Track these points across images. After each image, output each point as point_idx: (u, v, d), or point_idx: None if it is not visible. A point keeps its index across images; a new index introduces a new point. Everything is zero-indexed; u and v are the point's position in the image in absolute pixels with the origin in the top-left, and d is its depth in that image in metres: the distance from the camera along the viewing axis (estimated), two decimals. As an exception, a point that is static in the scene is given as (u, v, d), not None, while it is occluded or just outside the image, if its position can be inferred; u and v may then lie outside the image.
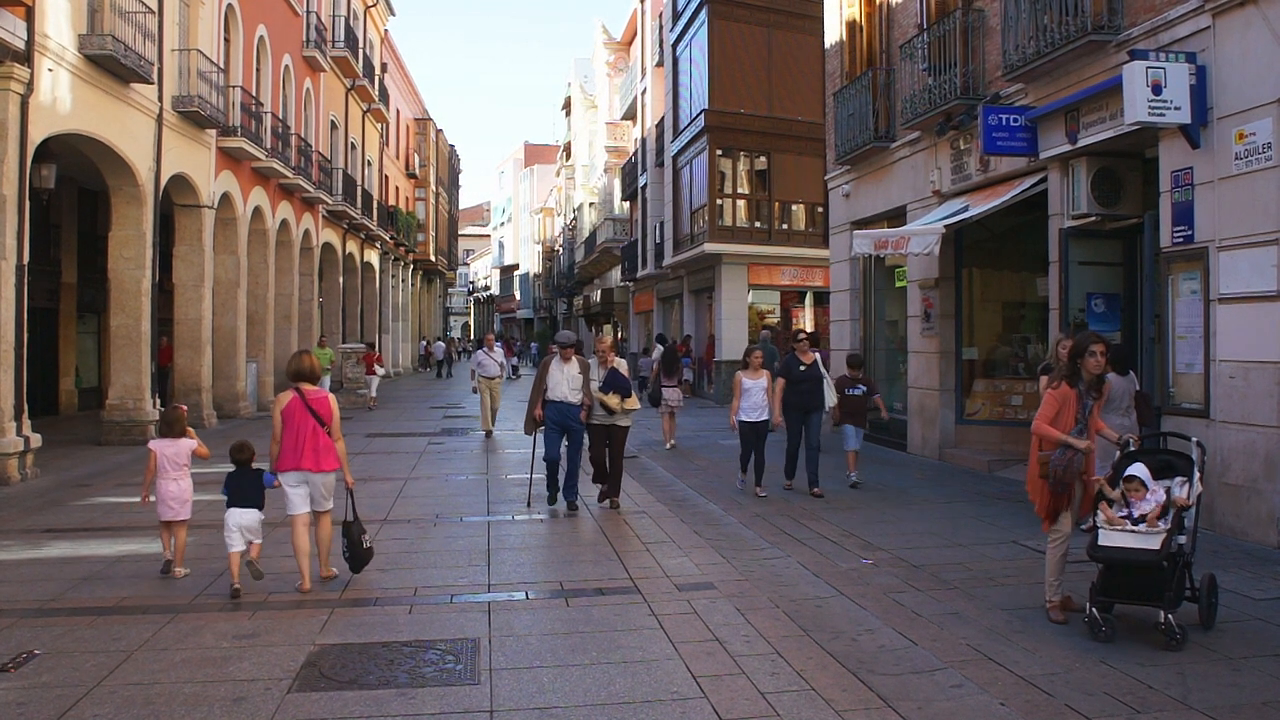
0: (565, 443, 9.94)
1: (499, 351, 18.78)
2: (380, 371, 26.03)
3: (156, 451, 7.49)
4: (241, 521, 6.86)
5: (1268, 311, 8.09)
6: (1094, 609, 5.79)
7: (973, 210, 12.31)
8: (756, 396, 10.97)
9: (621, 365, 10.45)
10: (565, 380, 9.84)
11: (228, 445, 7.24)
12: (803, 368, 11.22)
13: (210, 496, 8.56)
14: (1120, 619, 5.97)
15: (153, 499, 7.45)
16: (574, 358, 9.96)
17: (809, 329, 23.02)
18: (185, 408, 8.05)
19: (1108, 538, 5.80)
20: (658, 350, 20.10)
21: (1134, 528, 5.80)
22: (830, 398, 11.41)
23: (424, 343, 52.79)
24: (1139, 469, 6.06)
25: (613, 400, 9.93)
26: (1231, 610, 6.26)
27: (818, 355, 11.60)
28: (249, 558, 6.88)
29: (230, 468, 7.11)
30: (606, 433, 10.16)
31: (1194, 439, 6.31)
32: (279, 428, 6.96)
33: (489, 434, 17.58)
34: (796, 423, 11.16)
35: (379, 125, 38.49)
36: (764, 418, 10.94)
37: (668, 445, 15.77)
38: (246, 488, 7.01)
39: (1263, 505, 8.11)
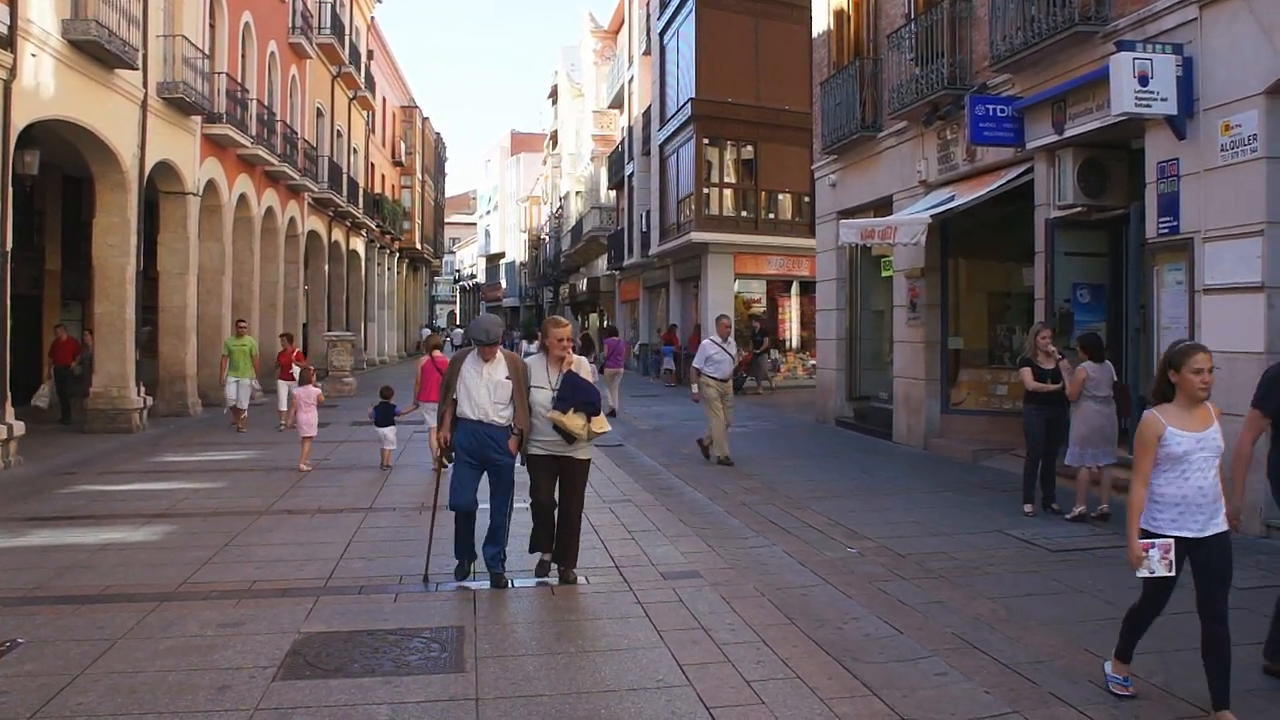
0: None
1: (733, 343, 13.14)
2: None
3: (297, 394, 12.53)
4: (386, 435, 11.93)
5: (1252, 302, 8.14)
6: None
7: (959, 200, 12.35)
8: (1209, 473, 4.76)
9: (584, 366, 6.83)
10: (485, 388, 6.54)
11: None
12: None
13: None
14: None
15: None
16: (500, 357, 6.67)
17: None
18: (313, 366, 13.17)
19: None
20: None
21: None
22: None
23: (424, 330, 53.33)
24: None
25: (574, 422, 6.44)
26: (1213, 599, 6.29)
27: None
28: (385, 460, 12.04)
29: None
30: (557, 467, 6.72)
31: None
32: (419, 377, 11.55)
33: (725, 460, 12.37)
34: None
35: (365, 113, 38.30)
36: (1222, 527, 4.84)
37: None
38: (385, 415, 11.89)
39: (1247, 496, 8.14)
